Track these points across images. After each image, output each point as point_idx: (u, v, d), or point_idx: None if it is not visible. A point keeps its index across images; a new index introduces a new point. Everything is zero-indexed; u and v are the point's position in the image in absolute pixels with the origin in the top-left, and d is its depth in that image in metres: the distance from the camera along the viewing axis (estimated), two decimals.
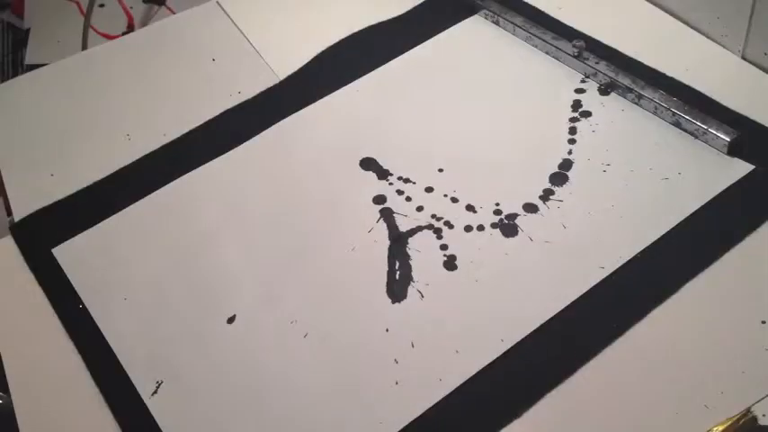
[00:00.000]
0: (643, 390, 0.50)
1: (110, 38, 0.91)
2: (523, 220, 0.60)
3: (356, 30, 0.78)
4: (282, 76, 0.75)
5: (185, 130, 0.72)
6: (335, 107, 0.72)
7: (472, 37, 0.76)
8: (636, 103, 0.67)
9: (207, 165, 0.69)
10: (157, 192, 0.68)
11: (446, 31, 0.77)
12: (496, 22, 0.76)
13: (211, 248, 0.63)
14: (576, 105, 0.68)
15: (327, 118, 0.71)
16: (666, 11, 0.74)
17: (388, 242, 0.61)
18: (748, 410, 0.48)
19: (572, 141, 0.65)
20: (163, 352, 0.57)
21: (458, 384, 0.52)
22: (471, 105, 0.70)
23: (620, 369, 0.51)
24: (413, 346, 0.55)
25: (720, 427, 0.47)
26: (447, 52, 0.75)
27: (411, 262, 0.59)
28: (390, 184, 0.65)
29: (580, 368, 0.52)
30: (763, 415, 0.48)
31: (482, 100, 0.70)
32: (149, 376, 0.56)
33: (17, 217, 0.68)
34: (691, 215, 0.59)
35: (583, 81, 0.70)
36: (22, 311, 0.62)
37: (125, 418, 0.54)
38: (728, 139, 0.61)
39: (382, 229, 0.62)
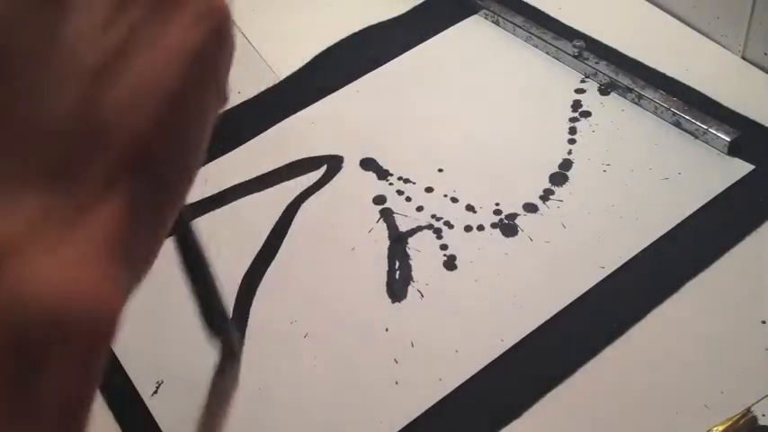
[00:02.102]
0: (643, 390, 0.50)
1: None
2: (523, 220, 0.61)
3: (356, 30, 0.78)
4: (282, 76, 0.75)
5: None
6: (335, 107, 0.72)
7: (472, 37, 0.76)
8: (636, 103, 0.67)
9: (207, 165, 0.69)
10: None
11: (446, 31, 0.77)
12: (496, 22, 0.76)
13: (210, 248, 0.63)
14: (576, 105, 0.68)
15: (327, 118, 0.71)
16: (666, 11, 0.74)
17: (388, 242, 0.61)
18: (748, 410, 0.48)
19: (572, 141, 0.65)
20: (163, 352, 0.57)
21: (458, 384, 0.52)
22: (471, 105, 0.70)
23: (620, 369, 0.51)
24: (413, 346, 0.55)
25: (720, 427, 0.47)
26: (447, 52, 0.75)
27: (411, 262, 0.59)
28: (390, 184, 0.65)
29: (580, 368, 0.52)
30: (763, 415, 0.48)
31: (482, 100, 0.70)
32: (149, 376, 0.56)
33: None
34: (691, 215, 0.59)
35: (583, 81, 0.70)
36: None
37: (125, 418, 0.54)
38: (728, 139, 0.61)
39: (382, 229, 0.62)
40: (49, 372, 0.19)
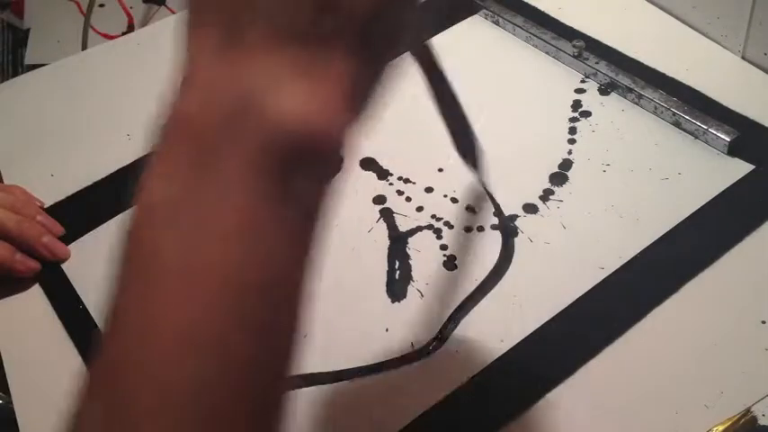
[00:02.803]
0: (643, 390, 0.50)
1: (110, 38, 0.91)
2: (523, 221, 0.60)
3: None
4: None
5: None
6: None
7: (472, 37, 0.76)
8: (636, 103, 0.67)
9: None
10: None
11: (446, 31, 0.77)
12: (496, 22, 0.76)
13: None
14: (576, 105, 0.68)
15: None
16: (666, 11, 0.74)
17: (388, 242, 0.61)
18: (748, 410, 0.48)
19: (572, 141, 0.65)
20: None
21: (458, 385, 0.52)
22: (471, 105, 0.70)
23: (620, 369, 0.51)
24: (413, 346, 0.55)
25: (720, 427, 0.47)
26: (447, 52, 0.75)
27: (411, 262, 0.59)
28: (390, 184, 0.65)
29: (580, 368, 0.52)
30: (763, 415, 0.48)
31: (482, 100, 0.70)
32: None
33: None
34: (690, 215, 0.59)
35: (583, 81, 0.70)
36: (21, 312, 0.62)
37: None
38: (728, 139, 0.61)
39: (382, 229, 0.62)
40: (297, 180, 0.26)
